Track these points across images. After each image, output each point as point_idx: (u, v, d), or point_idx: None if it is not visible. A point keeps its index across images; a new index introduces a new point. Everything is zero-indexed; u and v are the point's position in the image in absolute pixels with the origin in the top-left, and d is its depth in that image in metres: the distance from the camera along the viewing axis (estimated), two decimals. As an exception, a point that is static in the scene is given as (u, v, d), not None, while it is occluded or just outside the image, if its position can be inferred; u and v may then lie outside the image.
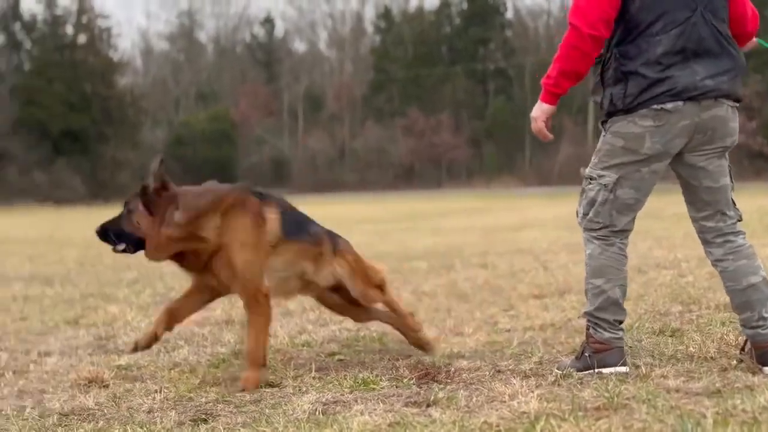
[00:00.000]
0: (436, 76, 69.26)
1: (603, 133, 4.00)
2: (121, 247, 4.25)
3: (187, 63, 79.47)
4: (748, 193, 21.51)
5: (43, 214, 43.98)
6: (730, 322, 4.83)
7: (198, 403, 3.83)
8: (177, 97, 78.11)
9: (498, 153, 67.00)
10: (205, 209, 4.23)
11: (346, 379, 4.11)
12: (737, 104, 3.88)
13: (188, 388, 4.10)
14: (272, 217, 4.30)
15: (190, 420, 3.53)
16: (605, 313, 3.97)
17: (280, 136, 73.32)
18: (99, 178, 63.84)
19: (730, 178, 3.97)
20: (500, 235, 15.27)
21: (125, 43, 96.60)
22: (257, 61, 79.79)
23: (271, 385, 4.12)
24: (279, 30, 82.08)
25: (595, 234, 4.00)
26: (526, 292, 7.13)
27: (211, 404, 3.80)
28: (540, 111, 4.04)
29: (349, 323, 5.78)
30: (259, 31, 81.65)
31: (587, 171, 4.04)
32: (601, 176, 3.95)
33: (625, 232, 4.01)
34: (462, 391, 3.75)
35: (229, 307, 6.83)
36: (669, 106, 3.73)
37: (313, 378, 4.19)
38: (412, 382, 4.00)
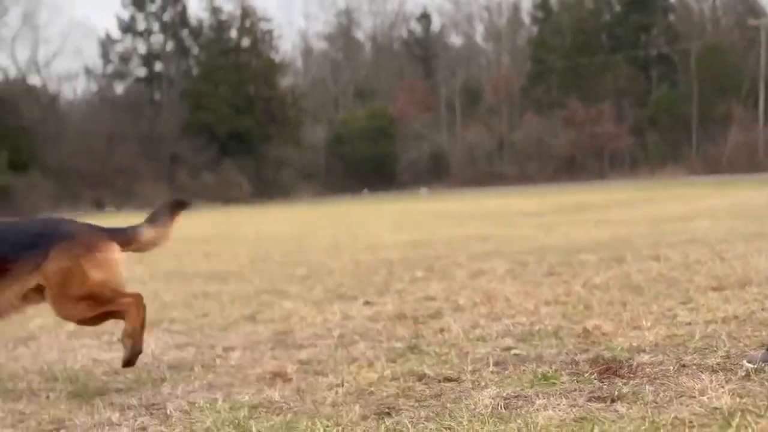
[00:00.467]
0: (596, 64, 67.94)
1: None
2: None
3: (346, 61, 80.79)
4: None
5: (212, 213, 45.68)
6: None
7: (379, 397, 3.88)
8: (336, 96, 79.55)
9: (662, 141, 65.05)
10: None
11: (525, 373, 4.08)
12: None
13: (368, 382, 4.17)
14: None
15: (374, 414, 3.59)
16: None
17: (438, 131, 73.55)
18: (263, 177, 65.80)
19: None
20: (669, 226, 14.80)
21: (286, 45, 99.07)
22: (414, 56, 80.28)
23: (449, 379, 4.13)
24: (435, 25, 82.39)
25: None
26: (704, 284, 6.87)
27: (392, 398, 3.85)
28: None
29: (522, 317, 5.74)
30: (416, 27, 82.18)
31: None
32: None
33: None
34: (647, 386, 3.66)
35: (401, 302, 6.91)
36: None
37: (492, 372, 4.18)
38: (593, 376, 3.93)
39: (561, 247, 11.62)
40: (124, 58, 71.89)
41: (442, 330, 5.48)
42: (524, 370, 4.16)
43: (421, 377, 4.21)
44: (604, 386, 3.71)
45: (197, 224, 29.73)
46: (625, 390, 3.58)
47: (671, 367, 3.97)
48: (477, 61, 79.59)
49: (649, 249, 10.41)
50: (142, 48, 71.96)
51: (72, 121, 68.62)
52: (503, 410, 3.45)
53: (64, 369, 4.97)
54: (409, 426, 3.35)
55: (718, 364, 3.99)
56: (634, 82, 69.59)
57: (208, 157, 63.93)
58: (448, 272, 9.04)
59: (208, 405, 3.91)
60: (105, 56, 72.20)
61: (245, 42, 70.49)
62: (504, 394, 3.71)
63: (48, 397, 4.32)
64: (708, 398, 3.28)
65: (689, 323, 5.23)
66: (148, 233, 4.82)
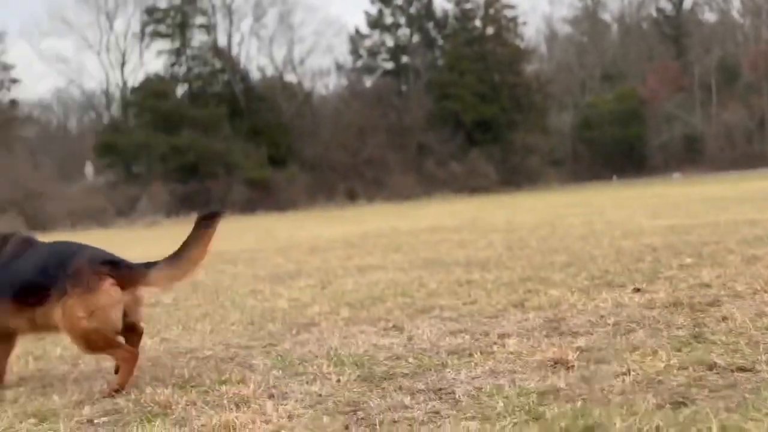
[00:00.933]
0: None
1: None
2: None
3: (592, 44, 79.20)
4: None
5: (460, 202, 46.17)
6: None
7: (669, 387, 3.78)
8: (582, 80, 78.15)
9: None
10: None
11: (827, 366, 3.85)
12: None
13: (655, 371, 4.07)
14: None
15: (669, 403, 3.50)
16: None
17: (691, 112, 70.53)
18: (509, 164, 65.75)
19: None
20: None
21: (530, 31, 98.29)
22: (665, 35, 77.46)
23: (743, 369, 3.96)
24: (687, 2, 78.97)
25: None
26: None
27: (683, 388, 3.74)
28: None
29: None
30: (666, 5, 79.17)
31: None
32: None
33: None
34: None
35: (673, 289, 6.69)
36: None
37: (790, 364, 3.97)
38: None
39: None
40: (373, 53, 74.16)
41: (725, 318, 5.26)
42: (826, 361, 3.92)
43: (711, 366, 4.06)
44: None
45: (447, 213, 30.19)
46: None
47: None
48: (733, 37, 75.52)
49: None
50: (389, 42, 73.99)
51: (325, 115, 71.55)
52: (810, 403, 3.27)
53: (349, 354, 5.19)
54: (712, 416, 3.24)
55: None
56: None
57: (454, 146, 64.69)
58: (719, 258, 8.66)
59: (495, 390, 3.97)
60: (354, 52, 74.81)
61: (490, 30, 70.74)
62: (807, 387, 3.51)
63: (338, 380, 4.53)
64: None
65: None
66: (158, 275, 4.78)
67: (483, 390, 4.01)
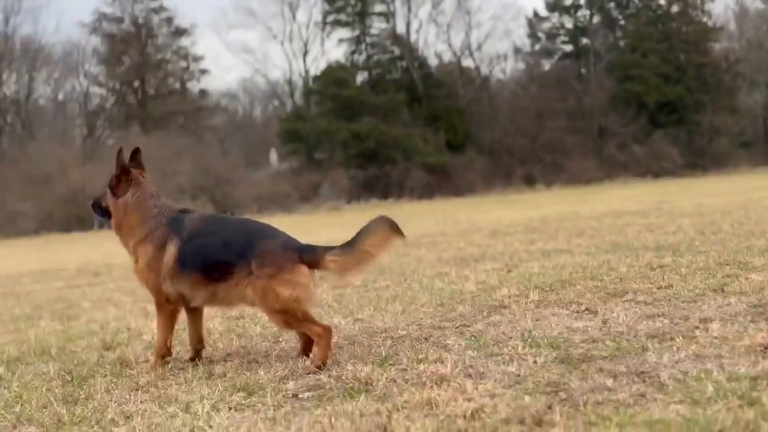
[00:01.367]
0: None
1: None
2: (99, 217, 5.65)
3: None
4: None
5: (642, 186, 44.90)
6: None
7: None
8: (774, 58, 74.23)
9: None
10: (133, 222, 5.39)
11: None
12: None
13: None
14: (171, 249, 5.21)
15: None
16: None
17: None
18: (695, 147, 63.37)
19: None
20: None
21: (718, 8, 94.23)
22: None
23: None
24: None
25: None
26: None
27: None
28: None
29: None
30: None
31: None
32: None
33: None
34: None
35: None
36: None
37: None
38: None
39: None
40: (551, 35, 72.99)
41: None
42: None
43: None
44: None
45: (629, 198, 29.43)
46: None
47: None
48: None
49: None
50: (568, 23, 72.60)
51: (502, 99, 71.06)
52: None
53: (544, 336, 5.15)
54: None
55: None
56: None
57: (636, 128, 62.91)
58: None
59: (702, 375, 3.85)
60: (533, 35, 73.83)
61: (675, 8, 68.28)
62: None
63: (535, 361, 4.51)
64: None
65: None
66: (332, 259, 4.96)
67: (689, 374, 3.91)
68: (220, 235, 5.17)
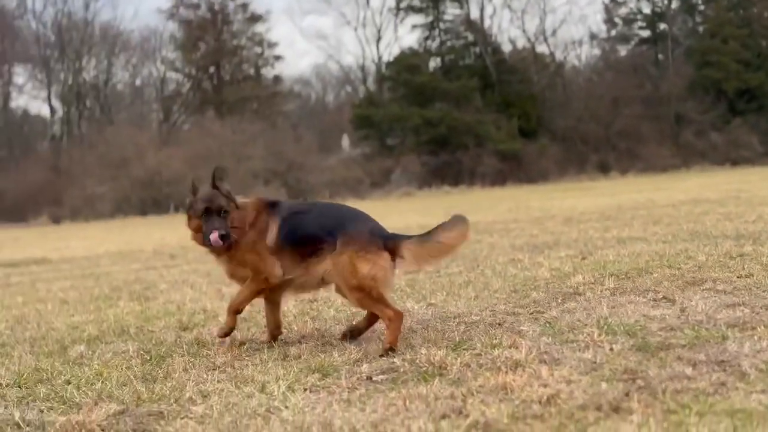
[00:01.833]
0: None
1: None
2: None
3: None
4: None
5: (720, 174, 44.00)
6: None
7: None
8: None
9: None
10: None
11: None
12: None
13: None
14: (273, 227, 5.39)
15: None
16: None
17: None
18: (777, 135, 61.88)
19: None
20: None
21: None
22: None
23: None
24: None
25: None
26: None
27: None
28: None
29: None
30: None
31: None
32: None
33: None
34: None
35: None
36: None
37: None
38: None
39: None
40: (628, 21, 71.90)
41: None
42: None
43: None
44: None
45: (707, 186, 28.85)
46: None
47: None
48: None
49: None
50: (645, 9, 71.48)
51: (577, 86, 70.27)
52: None
53: (620, 323, 5.09)
54: None
55: None
56: None
57: (715, 116, 61.65)
58: None
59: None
60: (609, 20, 72.86)
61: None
62: None
63: (611, 348, 4.45)
64: None
65: None
66: (409, 248, 5.12)
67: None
68: (314, 214, 5.41)
